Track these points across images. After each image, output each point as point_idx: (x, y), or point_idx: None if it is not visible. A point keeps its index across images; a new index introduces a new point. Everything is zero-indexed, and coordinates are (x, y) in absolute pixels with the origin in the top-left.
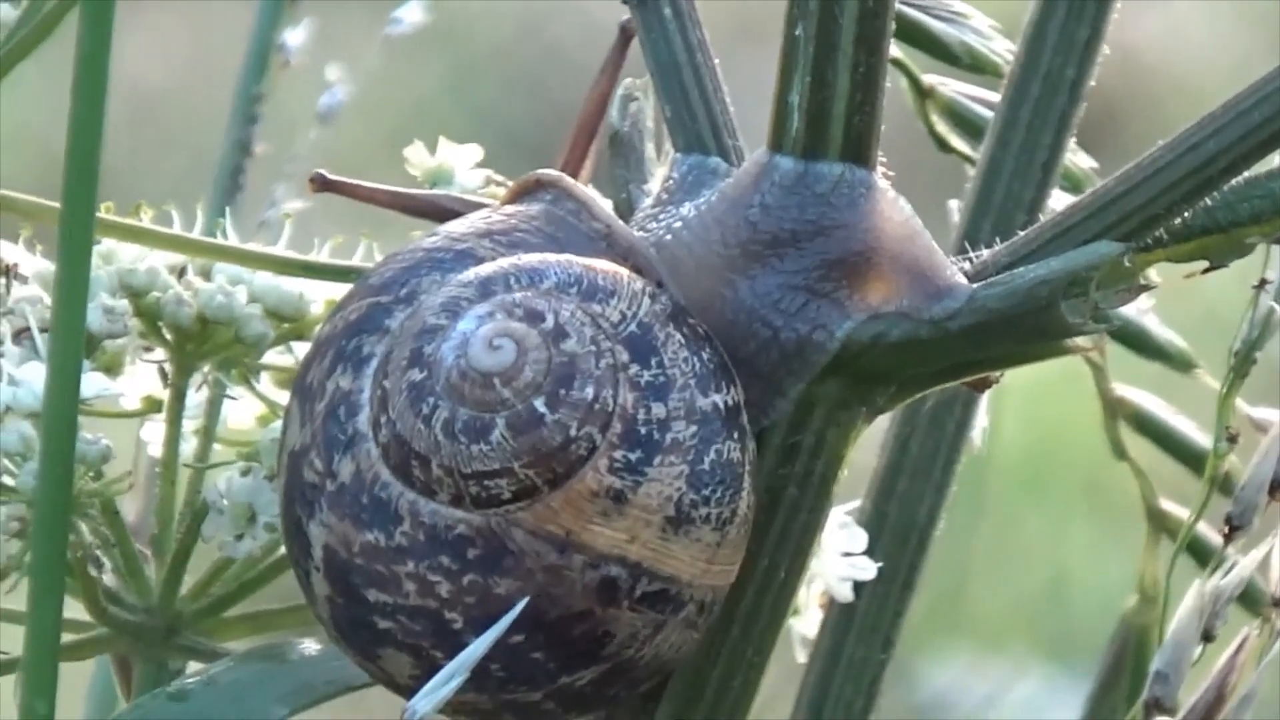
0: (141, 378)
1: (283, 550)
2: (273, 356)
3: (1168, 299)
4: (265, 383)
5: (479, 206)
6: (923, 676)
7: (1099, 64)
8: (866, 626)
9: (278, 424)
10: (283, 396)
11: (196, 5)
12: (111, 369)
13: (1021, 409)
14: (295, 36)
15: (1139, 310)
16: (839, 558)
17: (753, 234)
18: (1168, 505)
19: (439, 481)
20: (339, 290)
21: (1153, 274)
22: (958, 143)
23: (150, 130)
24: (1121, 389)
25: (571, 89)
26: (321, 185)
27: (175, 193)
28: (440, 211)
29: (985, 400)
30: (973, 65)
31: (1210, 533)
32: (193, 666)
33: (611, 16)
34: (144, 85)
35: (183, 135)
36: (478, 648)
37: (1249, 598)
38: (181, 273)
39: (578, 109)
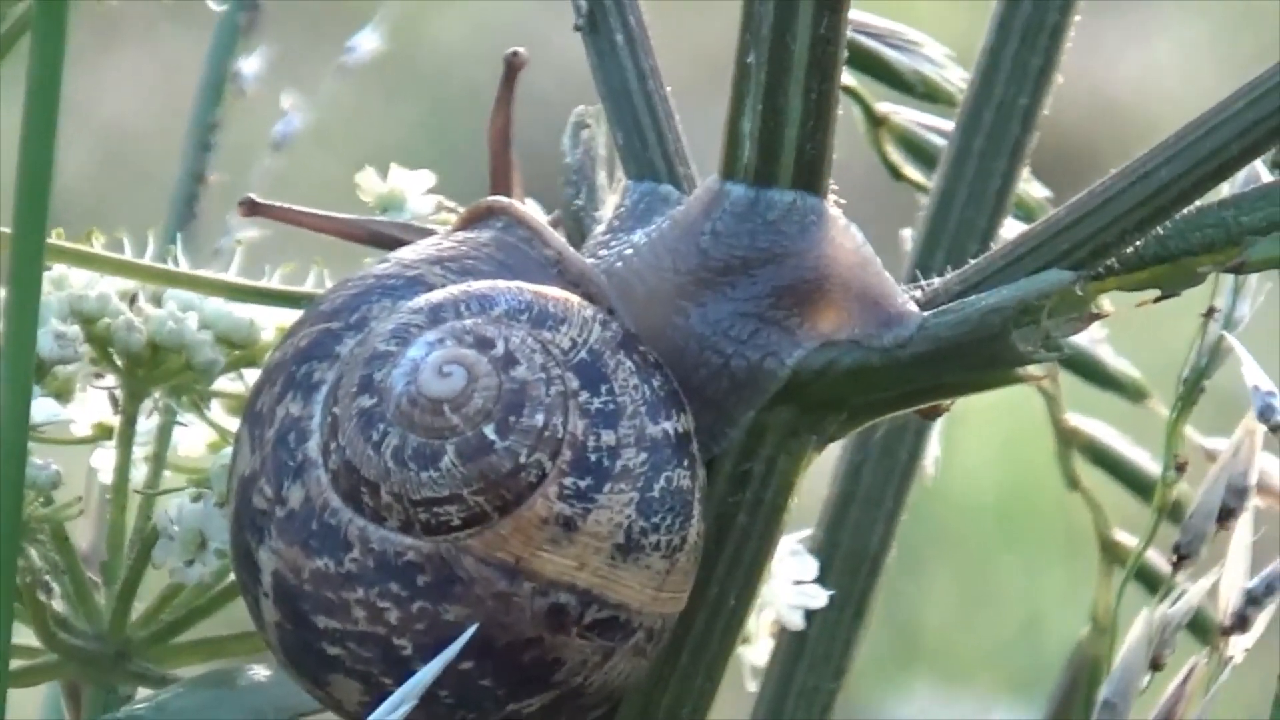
0: (92, 404)
1: (233, 577)
2: (224, 383)
3: (1123, 328)
4: (216, 410)
5: (417, 231)
6: (886, 711)
7: (1056, 96)
8: (818, 655)
9: (229, 450)
10: (234, 424)
11: (170, 45)
12: (62, 395)
13: (995, 449)
14: (250, 65)
15: (1092, 340)
16: (790, 585)
17: (704, 261)
18: (1121, 535)
19: (388, 508)
20: (290, 317)
21: (1105, 302)
22: (911, 171)
23: (123, 168)
24: (1075, 419)
25: (547, 130)
26: (250, 210)
27: (146, 230)
28: (376, 237)
29: (937, 429)
30: (926, 94)
31: (1161, 562)
32: (143, 693)
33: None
34: (118, 124)
35: (155, 173)
36: (426, 674)
37: (1198, 626)
38: (133, 299)
39: (554, 151)
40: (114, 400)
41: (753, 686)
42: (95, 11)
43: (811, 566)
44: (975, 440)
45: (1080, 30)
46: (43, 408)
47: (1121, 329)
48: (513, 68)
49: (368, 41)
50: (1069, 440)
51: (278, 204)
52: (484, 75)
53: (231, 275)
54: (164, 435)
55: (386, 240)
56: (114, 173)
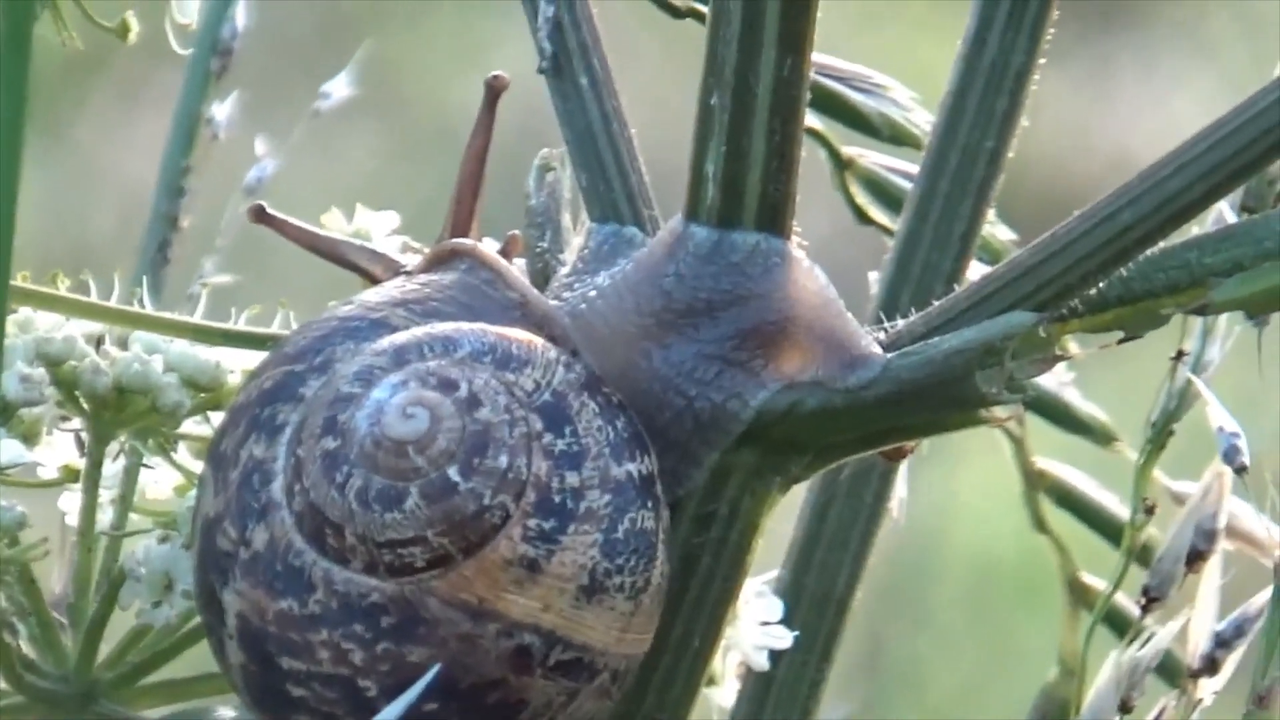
0: (59, 447)
1: (198, 618)
2: (190, 426)
3: (1091, 371)
4: (183, 453)
5: (381, 260)
6: None
7: (1077, 151)
8: (784, 696)
9: (194, 493)
10: (200, 467)
11: None
12: (29, 438)
13: (1010, 515)
14: (223, 110)
15: (1060, 383)
16: (755, 627)
17: (667, 303)
18: (1089, 578)
19: (353, 549)
20: (257, 359)
21: (1070, 345)
22: (877, 214)
23: (140, 234)
24: (1042, 462)
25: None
26: (258, 217)
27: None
28: (343, 261)
29: (903, 470)
30: (892, 137)
31: (1130, 604)
32: None
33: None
34: (140, 188)
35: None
36: (388, 715)
37: (1167, 669)
38: (99, 342)
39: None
40: (80, 443)
41: None
42: (117, 80)
43: (777, 608)
44: (991, 498)
45: (1102, 86)
46: (9, 450)
47: (1089, 373)
48: (494, 90)
49: (340, 88)
50: (1036, 483)
51: (282, 216)
52: (508, 139)
53: (198, 318)
54: (131, 478)
55: (349, 265)
56: (137, 234)
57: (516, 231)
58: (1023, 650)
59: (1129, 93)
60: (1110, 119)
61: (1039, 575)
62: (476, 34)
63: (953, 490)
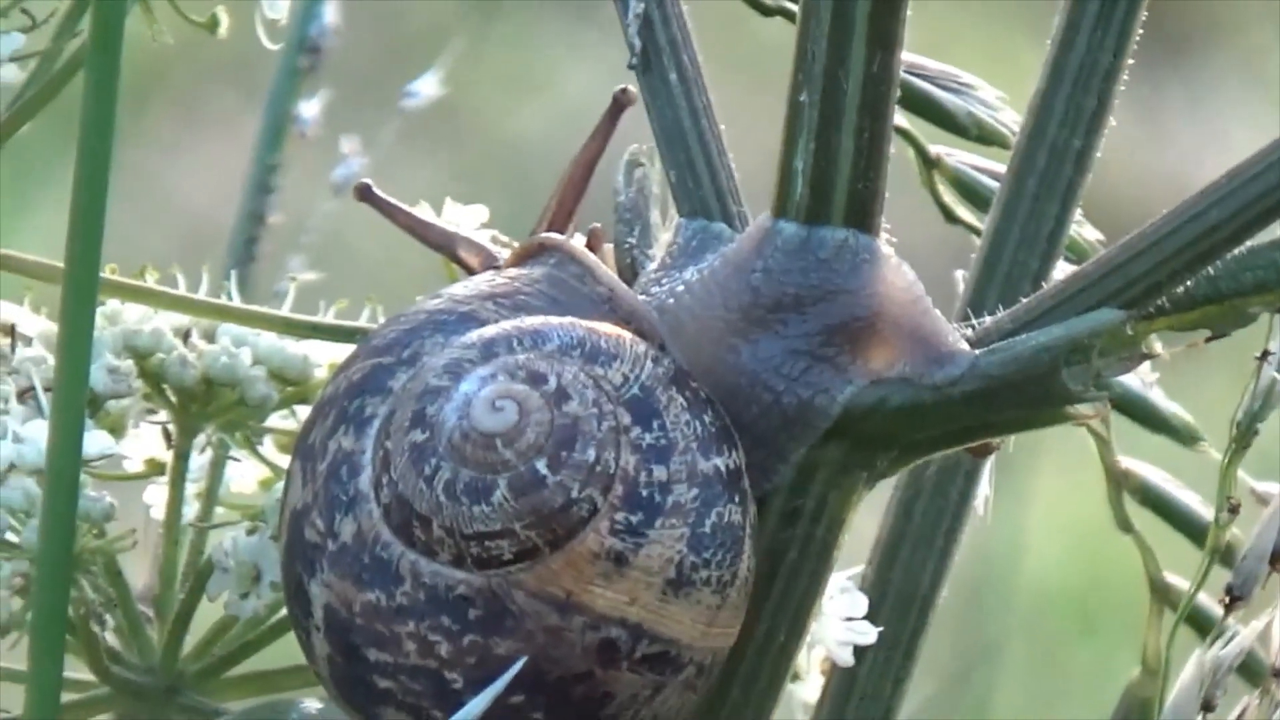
0: (145, 440)
1: (284, 610)
2: (276, 420)
3: (1171, 374)
4: (268, 446)
5: (489, 256)
6: None
7: (1137, 185)
8: (868, 693)
9: (281, 486)
10: (285, 461)
11: (250, 133)
12: (115, 431)
13: (1074, 539)
14: (310, 109)
15: (1144, 383)
16: (839, 622)
17: (755, 298)
18: (1171, 578)
19: (440, 542)
20: (343, 353)
21: (1156, 344)
22: (964, 213)
23: (205, 254)
24: (1127, 461)
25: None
26: (362, 195)
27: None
28: (452, 253)
29: (988, 468)
30: (979, 136)
31: (1212, 604)
32: None
33: None
34: (200, 211)
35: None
36: (474, 707)
37: (1249, 668)
38: (186, 335)
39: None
40: (167, 436)
41: None
42: (176, 101)
43: (862, 603)
44: (1054, 530)
45: (1156, 120)
46: (96, 440)
47: (1169, 374)
48: (620, 104)
49: (427, 87)
50: (1121, 483)
51: (387, 197)
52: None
53: (285, 312)
54: (216, 471)
55: (447, 252)
56: (196, 258)
57: (598, 224)
58: (1077, 679)
59: (1182, 126)
60: (1165, 152)
61: (1098, 604)
62: (536, 63)
63: (1018, 521)
